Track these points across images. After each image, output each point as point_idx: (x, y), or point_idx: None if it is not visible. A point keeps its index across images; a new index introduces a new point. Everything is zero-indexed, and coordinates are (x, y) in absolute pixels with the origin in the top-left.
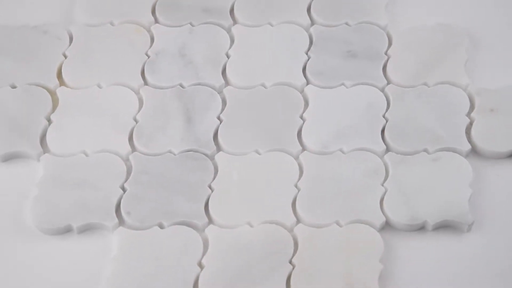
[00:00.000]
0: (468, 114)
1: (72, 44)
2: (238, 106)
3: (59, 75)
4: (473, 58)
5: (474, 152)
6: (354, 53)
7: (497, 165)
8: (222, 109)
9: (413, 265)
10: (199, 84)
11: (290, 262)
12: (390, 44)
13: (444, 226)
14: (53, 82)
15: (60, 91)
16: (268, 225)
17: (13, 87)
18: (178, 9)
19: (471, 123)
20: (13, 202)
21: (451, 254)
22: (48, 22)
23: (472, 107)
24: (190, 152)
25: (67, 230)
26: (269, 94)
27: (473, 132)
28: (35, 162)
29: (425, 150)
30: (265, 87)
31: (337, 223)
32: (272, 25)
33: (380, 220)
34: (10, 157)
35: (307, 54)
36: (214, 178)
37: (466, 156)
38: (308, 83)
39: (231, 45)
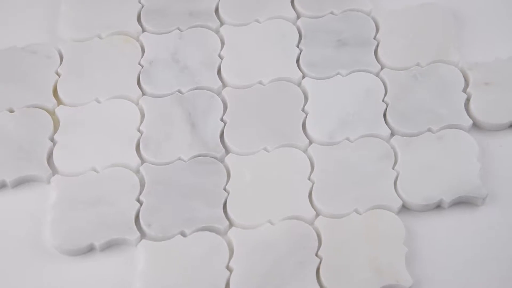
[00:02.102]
0: (464, 90)
1: (63, 61)
2: (239, 106)
3: (55, 94)
4: (459, 34)
5: (475, 126)
6: (344, 41)
7: (499, 136)
8: (224, 111)
9: (434, 244)
10: (197, 88)
11: (317, 255)
12: (377, 28)
13: (459, 202)
14: (50, 102)
15: (59, 110)
16: (289, 221)
17: (11, 111)
18: (164, 15)
19: (468, 99)
20: (29, 227)
21: (469, 228)
22: (35, 42)
23: (466, 82)
24: (200, 157)
25: (90, 249)
26: (268, 91)
27: (472, 107)
28: (45, 185)
29: (429, 130)
30: (262, 84)
31: (356, 211)
32: (259, 22)
33: (397, 203)
34: (19, 183)
35: (298, 47)
36: (227, 181)
37: (469, 131)
38: (304, 76)
39: (222, 46)
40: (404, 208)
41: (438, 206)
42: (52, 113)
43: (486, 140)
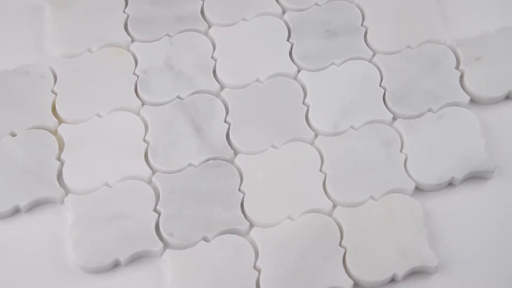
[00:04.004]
0: (457, 67)
1: (57, 79)
2: (240, 106)
3: (55, 113)
4: (442, 12)
5: (472, 101)
6: (333, 31)
7: (497, 109)
8: (226, 112)
9: (451, 221)
10: (195, 92)
11: (340, 245)
12: (363, 15)
13: (469, 178)
14: (51, 122)
15: (62, 129)
16: (308, 215)
17: (13, 135)
18: (151, 22)
19: (462, 75)
20: (51, 249)
21: (483, 202)
22: (25, 63)
23: (457, 59)
24: (210, 160)
25: (115, 264)
26: (266, 88)
27: (466, 83)
28: (59, 205)
29: (430, 110)
30: (260, 81)
31: (372, 198)
32: (246, 20)
33: (410, 185)
34: (33, 206)
35: (288, 41)
36: (241, 181)
37: (467, 107)
38: (299, 69)
39: (214, 48)
40: (417, 189)
41: (449, 184)
42: (54, 133)
43: (485, 114)
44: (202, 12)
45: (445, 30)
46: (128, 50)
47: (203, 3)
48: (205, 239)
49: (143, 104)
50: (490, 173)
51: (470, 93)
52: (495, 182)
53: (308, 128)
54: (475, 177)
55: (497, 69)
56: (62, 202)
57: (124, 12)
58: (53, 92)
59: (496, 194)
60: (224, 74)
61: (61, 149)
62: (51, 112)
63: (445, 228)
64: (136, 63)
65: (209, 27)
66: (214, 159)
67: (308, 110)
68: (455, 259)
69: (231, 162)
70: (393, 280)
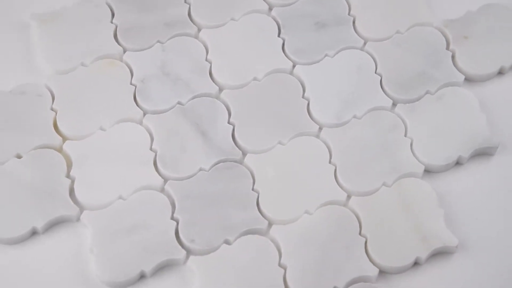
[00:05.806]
0: (447, 47)
1: (55, 97)
2: (242, 106)
3: (57, 130)
4: None
5: (466, 80)
6: (322, 23)
7: (490, 85)
8: (229, 113)
9: (463, 199)
10: (195, 96)
11: (360, 234)
12: (349, 4)
13: (474, 155)
14: (55, 140)
15: (67, 146)
16: (324, 208)
17: (19, 157)
18: (140, 31)
19: (453, 55)
20: (74, 268)
21: (490, 178)
22: (20, 83)
23: (447, 40)
24: (220, 163)
25: (140, 276)
26: (265, 86)
27: (459, 62)
28: (75, 223)
29: (428, 92)
30: (258, 80)
31: (385, 184)
32: (235, 20)
33: (420, 168)
34: (49, 226)
35: (280, 37)
36: (253, 181)
37: (463, 86)
38: (294, 64)
39: (206, 50)
40: (426, 172)
41: (457, 163)
42: (60, 150)
43: (480, 91)
44: (189, 15)
45: (430, 12)
46: (122, 60)
47: (190, 6)
48: (227, 242)
49: (144, 113)
50: (495, 148)
51: (464, 71)
52: (500, 157)
53: (312, 121)
54: (480, 154)
55: (486, 46)
56: (78, 219)
57: (112, 22)
58: (52, 110)
59: (503, 168)
60: (221, 75)
61: (69, 166)
62: (54, 130)
63: (458, 207)
64: (132, 73)
65: (199, 30)
66: (223, 161)
67: (309, 104)
68: (473, 236)
69: (241, 162)
70: (416, 263)
